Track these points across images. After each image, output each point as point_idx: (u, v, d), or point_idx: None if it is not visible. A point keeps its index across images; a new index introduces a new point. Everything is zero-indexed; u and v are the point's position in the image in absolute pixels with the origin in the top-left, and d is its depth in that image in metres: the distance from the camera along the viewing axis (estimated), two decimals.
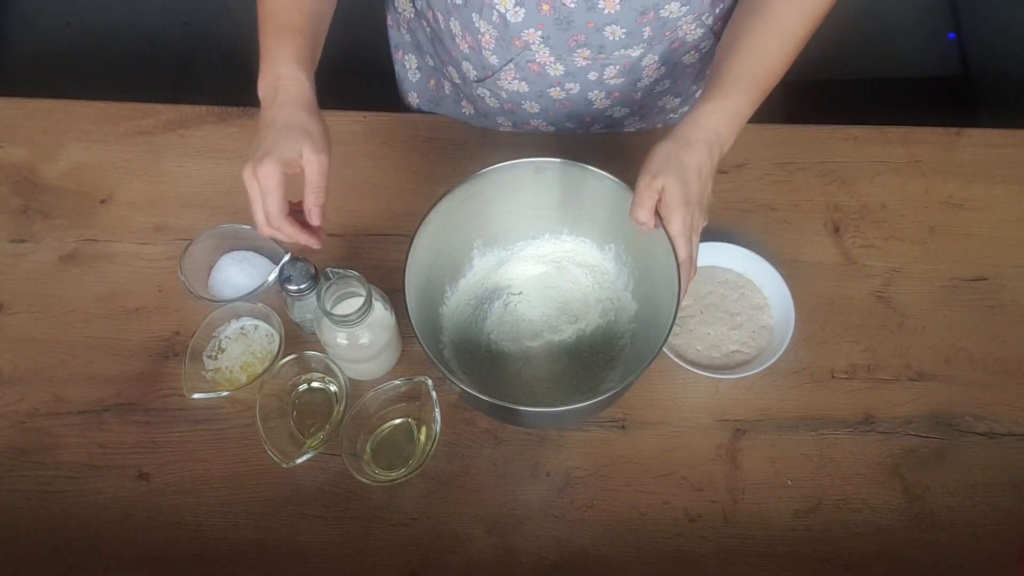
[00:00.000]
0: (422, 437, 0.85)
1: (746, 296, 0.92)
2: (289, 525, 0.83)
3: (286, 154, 0.72)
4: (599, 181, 0.80)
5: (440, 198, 0.78)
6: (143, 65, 2.06)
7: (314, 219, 0.75)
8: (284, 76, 0.75)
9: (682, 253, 0.74)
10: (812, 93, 1.93)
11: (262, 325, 0.90)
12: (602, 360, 0.87)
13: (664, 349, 0.85)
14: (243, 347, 0.88)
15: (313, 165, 0.73)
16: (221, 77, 2.06)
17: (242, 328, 0.89)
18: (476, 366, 0.87)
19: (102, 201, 0.99)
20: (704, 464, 0.85)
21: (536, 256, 0.92)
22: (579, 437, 0.86)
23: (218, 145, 1.02)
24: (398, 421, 0.86)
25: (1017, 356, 0.91)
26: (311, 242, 0.76)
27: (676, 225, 0.74)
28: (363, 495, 0.84)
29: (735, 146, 0.76)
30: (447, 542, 0.82)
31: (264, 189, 0.71)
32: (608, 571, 0.81)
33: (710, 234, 0.94)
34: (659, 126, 1.09)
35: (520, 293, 0.91)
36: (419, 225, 0.77)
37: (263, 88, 0.76)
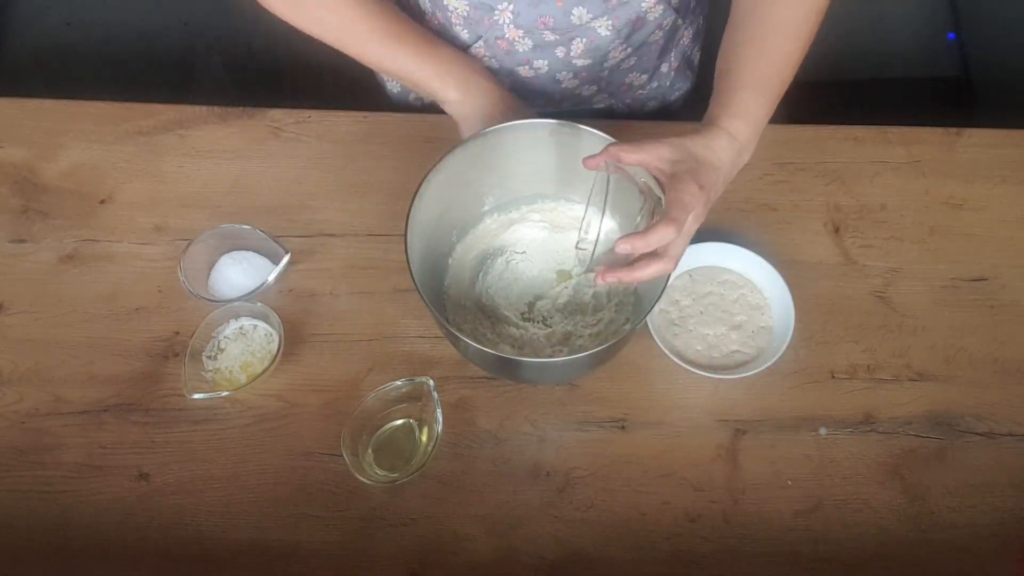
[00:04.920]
0: (424, 437, 0.85)
1: (746, 296, 0.92)
2: (289, 525, 0.83)
3: None
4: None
5: (451, 149, 0.80)
6: (143, 65, 2.06)
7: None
8: (476, 77, 0.81)
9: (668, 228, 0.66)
10: (812, 93, 1.93)
11: (261, 325, 0.90)
12: (595, 328, 0.88)
13: (664, 349, 0.86)
14: (242, 347, 0.89)
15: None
16: (221, 77, 2.06)
17: (241, 328, 0.89)
18: (473, 317, 0.89)
19: (102, 201, 0.99)
20: (704, 464, 0.85)
21: (545, 219, 0.93)
22: (579, 437, 0.86)
23: (218, 145, 1.02)
24: (400, 422, 0.86)
25: (1017, 356, 0.91)
26: None
27: (683, 195, 0.67)
28: (363, 495, 0.84)
29: None
30: (447, 542, 0.82)
31: None
32: (608, 571, 0.81)
33: (710, 234, 0.94)
34: (627, 101, 1.10)
35: (524, 252, 0.92)
36: (428, 172, 0.79)
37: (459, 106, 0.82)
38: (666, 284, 0.76)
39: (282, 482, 0.84)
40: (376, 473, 0.83)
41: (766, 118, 0.75)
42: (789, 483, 0.85)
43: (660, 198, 0.70)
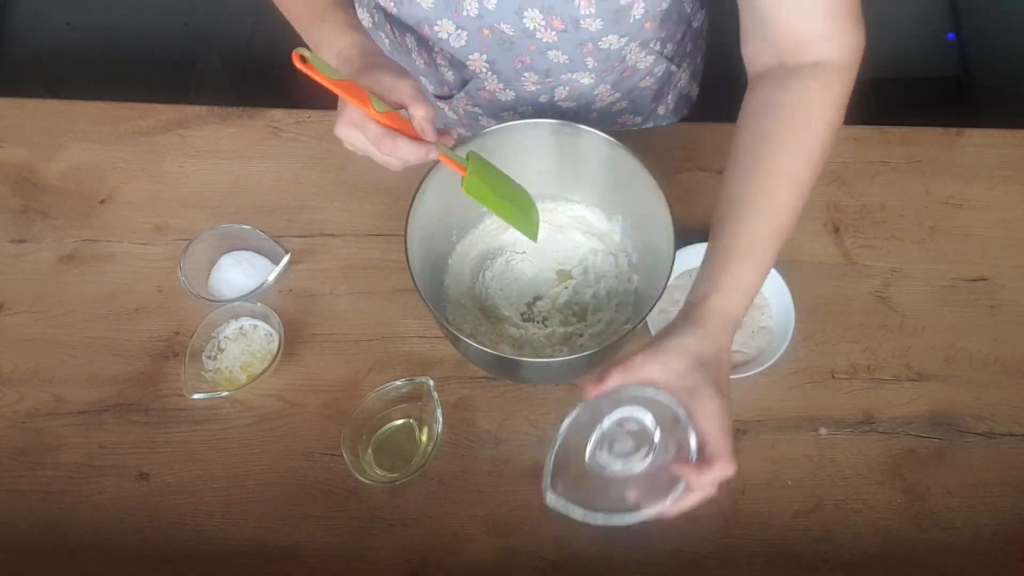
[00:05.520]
0: (423, 438, 0.85)
1: None
2: (289, 525, 0.83)
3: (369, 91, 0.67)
4: (613, 150, 0.81)
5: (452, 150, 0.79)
6: (143, 65, 2.06)
7: (427, 135, 0.68)
8: (344, 47, 0.73)
9: (729, 470, 0.63)
10: None
11: (261, 325, 0.90)
12: (595, 328, 0.88)
13: None
14: (242, 347, 0.89)
15: (402, 86, 0.68)
16: (221, 77, 2.06)
17: (241, 328, 0.89)
18: (473, 317, 0.89)
19: (102, 201, 0.99)
20: None
21: (546, 219, 0.92)
22: None
23: (218, 145, 1.02)
24: (400, 422, 0.86)
25: (1017, 356, 0.91)
26: (431, 150, 0.68)
27: (722, 442, 0.63)
28: (363, 495, 0.84)
29: None
30: (447, 542, 0.82)
31: (356, 144, 0.71)
32: (608, 571, 0.81)
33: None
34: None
35: (524, 252, 0.92)
36: (428, 172, 0.79)
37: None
38: (666, 284, 0.76)
39: (282, 482, 0.84)
40: (376, 473, 0.83)
41: (760, 280, 0.71)
42: (789, 483, 0.85)
43: (678, 414, 0.64)
